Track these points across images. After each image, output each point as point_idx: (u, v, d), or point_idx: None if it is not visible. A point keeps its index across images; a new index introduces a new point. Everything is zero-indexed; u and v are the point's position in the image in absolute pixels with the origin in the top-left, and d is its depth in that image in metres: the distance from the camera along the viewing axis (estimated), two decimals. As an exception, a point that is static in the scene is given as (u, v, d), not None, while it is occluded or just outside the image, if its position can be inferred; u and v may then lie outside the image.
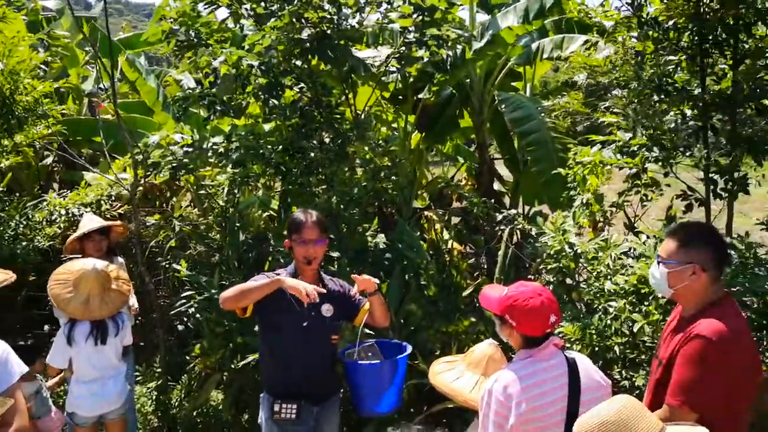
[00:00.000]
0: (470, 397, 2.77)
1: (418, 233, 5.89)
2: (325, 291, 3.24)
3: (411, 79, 5.95)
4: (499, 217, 4.88)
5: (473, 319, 4.33)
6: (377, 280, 3.28)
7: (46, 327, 6.04)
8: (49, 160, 8.44)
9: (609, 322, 3.26)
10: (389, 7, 5.45)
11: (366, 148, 5.20)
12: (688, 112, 3.95)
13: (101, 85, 6.91)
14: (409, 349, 3.37)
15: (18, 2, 7.71)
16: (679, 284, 2.47)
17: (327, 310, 3.32)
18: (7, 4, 6.26)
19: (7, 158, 6.45)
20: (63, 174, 8.83)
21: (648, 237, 3.65)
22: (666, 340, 2.58)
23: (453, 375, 2.91)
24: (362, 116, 5.76)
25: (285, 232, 3.53)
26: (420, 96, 6.72)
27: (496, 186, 7.59)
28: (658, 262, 2.54)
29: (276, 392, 3.32)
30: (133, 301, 4.87)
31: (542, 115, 6.23)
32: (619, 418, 1.88)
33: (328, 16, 5.01)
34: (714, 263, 2.45)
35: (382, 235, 5.31)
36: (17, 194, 6.77)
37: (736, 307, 2.51)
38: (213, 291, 5.21)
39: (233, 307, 3.26)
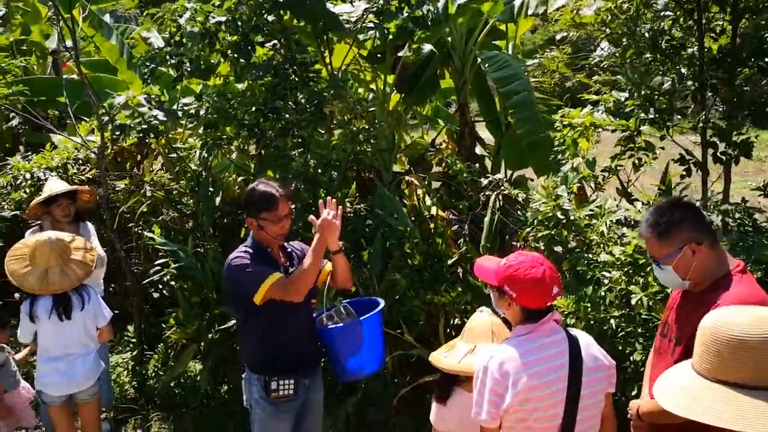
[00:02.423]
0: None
1: (398, 199, 5.69)
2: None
3: (390, 37, 5.66)
4: (485, 182, 4.68)
5: (460, 290, 4.16)
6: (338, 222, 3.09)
7: (16, 295, 5.78)
8: (14, 123, 8.05)
9: (603, 293, 3.12)
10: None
11: (344, 109, 4.95)
12: (684, 71, 3.75)
13: (65, 43, 6.52)
14: (382, 304, 3.20)
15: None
16: (689, 270, 2.35)
17: None
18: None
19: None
20: (29, 137, 8.46)
21: (643, 204, 3.48)
22: (679, 318, 2.44)
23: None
24: (339, 75, 5.47)
25: (247, 208, 3.18)
26: (399, 54, 6.42)
27: (478, 150, 7.37)
28: (657, 265, 2.43)
29: (271, 369, 3.13)
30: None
31: (526, 74, 5.99)
32: None
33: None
34: (700, 231, 2.35)
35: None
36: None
37: (750, 276, 2.38)
38: (188, 259, 5.00)
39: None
